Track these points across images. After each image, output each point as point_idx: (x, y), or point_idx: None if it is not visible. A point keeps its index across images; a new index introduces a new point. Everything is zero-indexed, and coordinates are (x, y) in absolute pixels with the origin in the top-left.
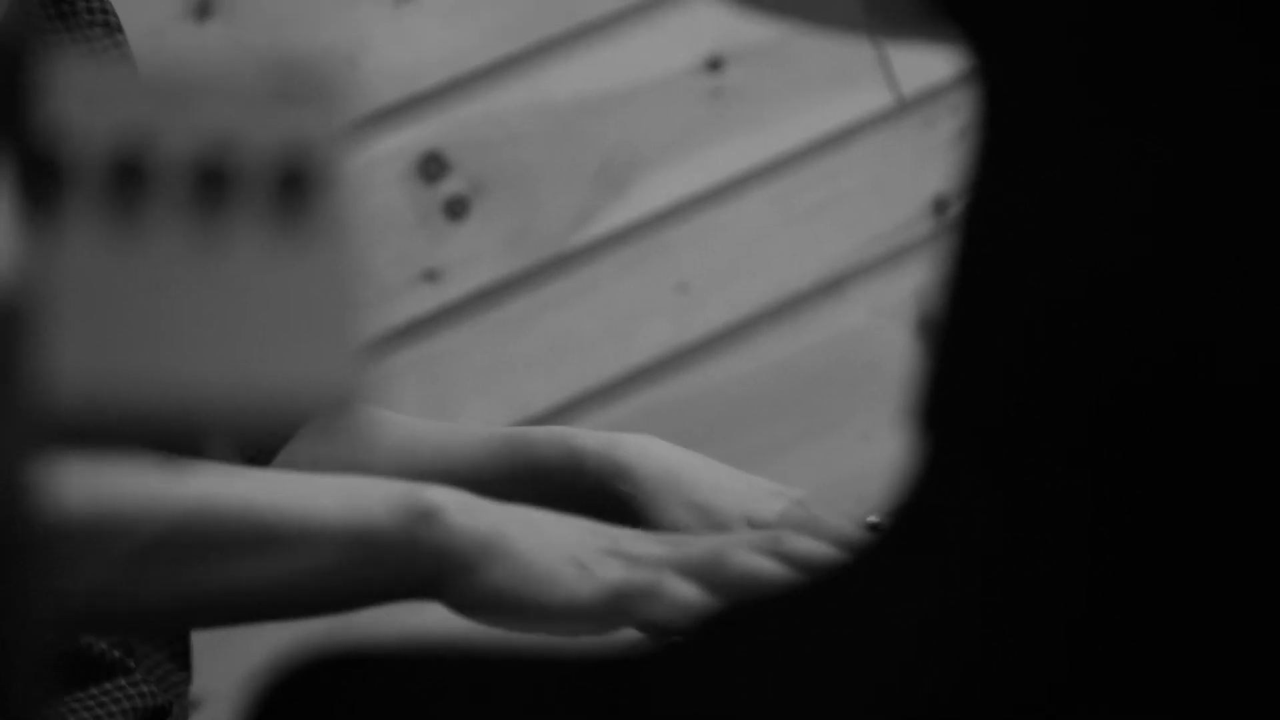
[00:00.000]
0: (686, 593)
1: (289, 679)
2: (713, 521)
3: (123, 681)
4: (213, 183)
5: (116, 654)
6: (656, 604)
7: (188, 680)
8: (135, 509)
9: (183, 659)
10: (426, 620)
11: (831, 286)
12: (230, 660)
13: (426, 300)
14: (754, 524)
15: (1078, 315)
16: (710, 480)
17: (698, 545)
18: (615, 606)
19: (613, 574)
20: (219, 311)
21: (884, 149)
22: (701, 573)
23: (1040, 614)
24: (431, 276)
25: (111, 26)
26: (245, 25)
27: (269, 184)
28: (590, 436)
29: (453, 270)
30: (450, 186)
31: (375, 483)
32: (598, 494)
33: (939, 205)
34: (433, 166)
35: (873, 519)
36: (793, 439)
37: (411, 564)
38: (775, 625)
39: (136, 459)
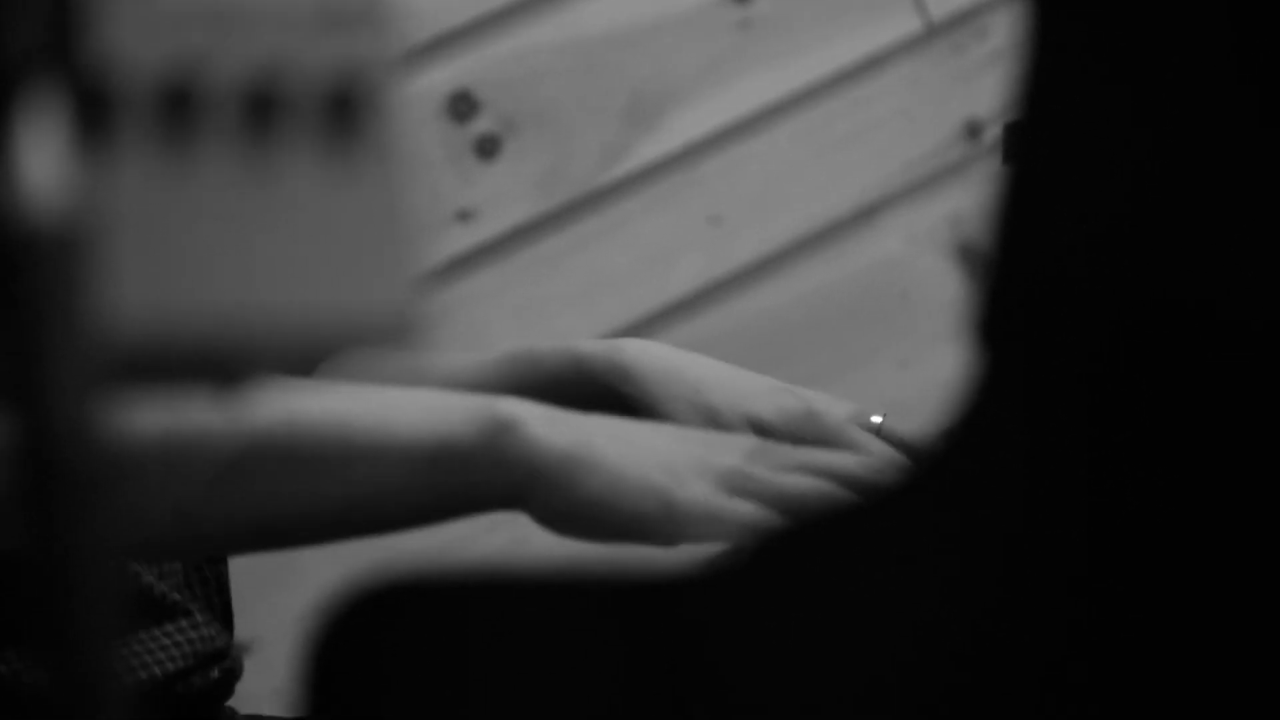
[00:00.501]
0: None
1: (345, 614)
2: (715, 418)
3: (184, 623)
4: (262, 109)
5: (177, 596)
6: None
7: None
8: (216, 427)
9: (226, 617)
10: (478, 550)
11: (864, 215)
12: (278, 604)
13: (460, 240)
14: (754, 421)
15: (1123, 232)
16: (713, 377)
17: (801, 478)
18: (716, 525)
19: (709, 491)
20: (271, 237)
21: (914, 75)
22: (798, 505)
23: (1066, 548)
24: (464, 216)
25: None
26: None
27: (318, 109)
28: (593, 343)
29: (485, 210)
30: (481, 125)
31: (454, 396)
32: (604, 398)
33: (971, 130)
34: (462, 106)
35: (876, 419)
36: (830, 369)
37: (495, 476)
38: (812, 557)
39: (192, 388)
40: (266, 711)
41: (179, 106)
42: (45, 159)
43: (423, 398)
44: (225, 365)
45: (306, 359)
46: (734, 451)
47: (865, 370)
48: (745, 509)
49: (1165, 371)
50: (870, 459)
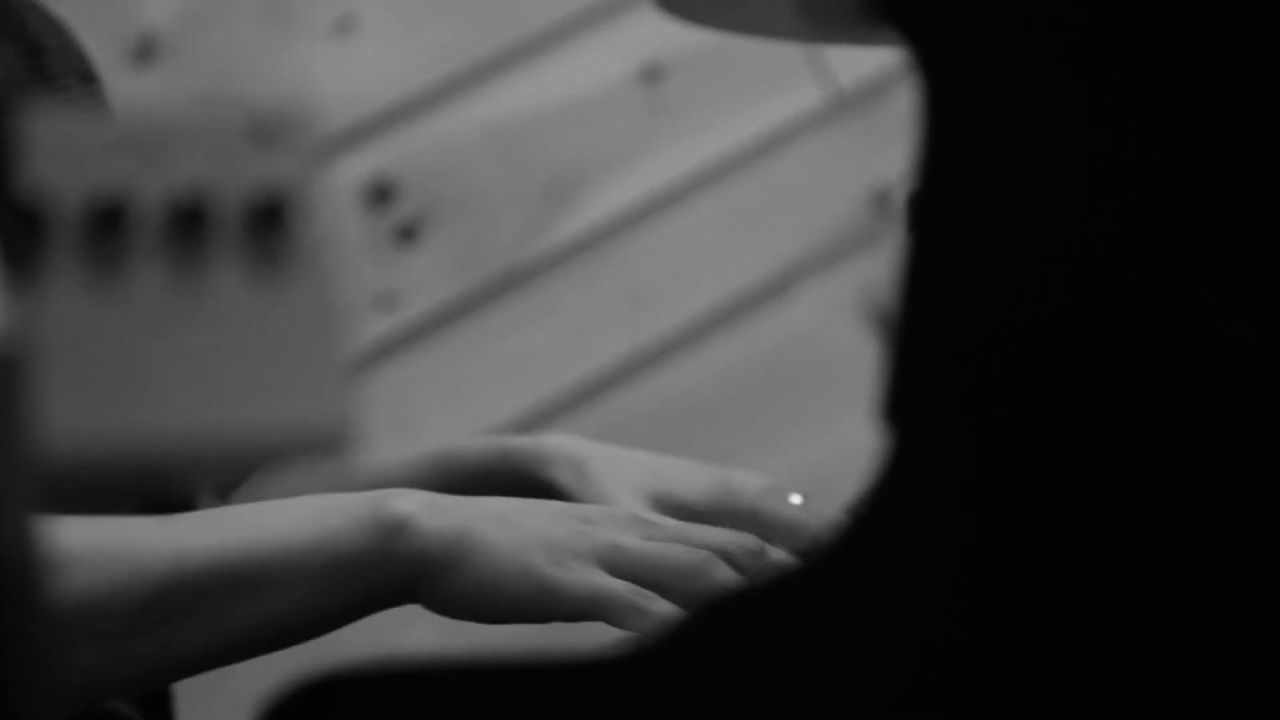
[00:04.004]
0: (665, 610)
1: (283, 708)
2: (643, 495)
3: None
4: (189, 227)
5: (124, 709)
6: (635, 617)
7: None
8: (112, 585)
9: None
10: (410, 640)
11: (780, 287)
12: (218, 698)
13: (382, 326)
14: (674, 501)
15: (1030, 300)
16: (633, 462)
17: (674, 547)
18: (591, 606)
19: (585, 569)
20: (203, 354)
21: (822, 146)
22: (680, 582)
23: (1010, 610)
24: (386, 302)
25: (87, 76)
26: (187, 64)
27: (244, 225)
28: (515, 438)
29: (407, 295)
30: (400, 211)
31: (341, 502)
32: (529, 491)
33: (879, 199)
34: (381, 192)
35: (796, 498)
36: (752, 440)
37: (389, 576)
38: (744, 622)
39: (122, 511)
40: None
41: (107, 227)
42: None
43: (307, 508)
44: (159, 482)
45: (242, 473)
46: (612, 526)
47: (786, 440)
48: (620, 585)
49: (1118, 431)
50: (747, 539)
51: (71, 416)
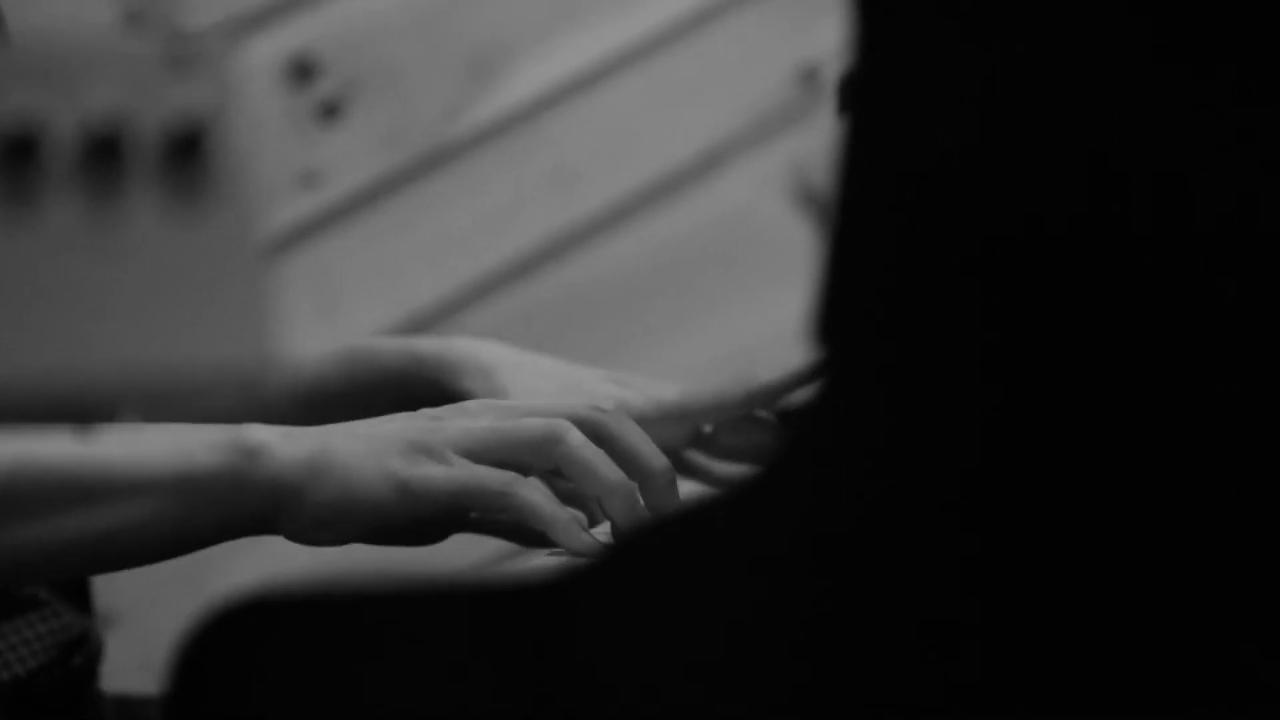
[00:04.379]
0: (532, 496)
1: (210, 627)
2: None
3: (36, 615)
4: (105, 157)
5: (27, 591)
6: (501, 501)
7: (90, 617)
8: None
9: (82, 598)
10: (353, 559)
11: (709, 163)
12: (137, 576)
13: (305, 205)
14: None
15: (961, 190)
16: (539, 371)
17: (526, 420)
18: (457, 496)
19: (450, 462)
20: (121, 287)
21: (750, 22)
22: (537, 452)
23: (935, 526)
24: (309, 181)
25: None
26: None
27: (162, 154)
28: (428, 341)
29: (330, 173)
30: (322, 89)
31: (199, 428)
32: (437, 395)
33: (808, 74)
34: (303, 69)
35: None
36: (682, 315)
37: (242, 500)
38: (670, 550)
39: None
40: (135, 686)
41: (19, 158)
42: None
43: (166, 431)
44: (79, 415)
45: (161, 404)
46: (462, 415)
47: (716, 317)
48: (482, 470)
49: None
50: (601, 400)
51: None
